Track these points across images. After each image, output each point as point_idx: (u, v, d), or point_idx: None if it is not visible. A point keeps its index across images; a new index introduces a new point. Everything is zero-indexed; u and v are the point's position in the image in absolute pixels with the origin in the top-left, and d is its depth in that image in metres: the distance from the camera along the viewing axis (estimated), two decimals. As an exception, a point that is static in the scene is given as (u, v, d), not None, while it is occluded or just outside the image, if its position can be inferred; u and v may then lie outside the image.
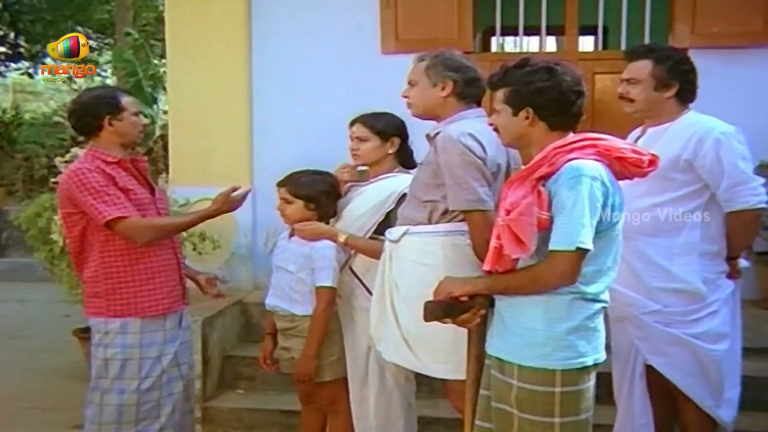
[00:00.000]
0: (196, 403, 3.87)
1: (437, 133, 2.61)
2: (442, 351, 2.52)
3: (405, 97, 2.75)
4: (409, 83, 2.73)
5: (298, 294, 2.99)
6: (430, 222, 2.59)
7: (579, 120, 2.20)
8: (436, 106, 2.68)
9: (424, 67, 2.68)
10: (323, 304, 2.92)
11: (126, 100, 2.92)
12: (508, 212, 2.06)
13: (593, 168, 2.05)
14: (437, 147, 2.54)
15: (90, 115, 2.86)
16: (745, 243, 2.93)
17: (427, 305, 2.24)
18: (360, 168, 3.17)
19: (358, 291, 3.01)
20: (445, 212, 2.56)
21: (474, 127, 2.51)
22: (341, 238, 2.95)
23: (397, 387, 3.03)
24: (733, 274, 2.86)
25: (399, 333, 2.65)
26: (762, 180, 2.81)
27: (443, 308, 2.24)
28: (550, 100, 2.14)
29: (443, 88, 2.65)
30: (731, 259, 2.85)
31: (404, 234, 2.65)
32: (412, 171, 3.02)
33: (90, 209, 2.74)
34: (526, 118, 2.16)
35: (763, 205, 2.77)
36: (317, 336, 2.92)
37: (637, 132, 2.97)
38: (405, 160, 3.10)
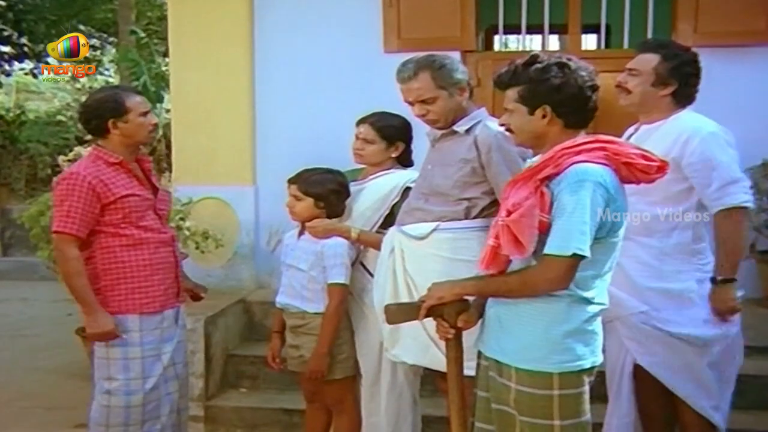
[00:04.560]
0: (199, 402, 3.91)
1: (467, 130, 2.62)
2: (472, 350, 2.41)
3: (422, 115, 2.68)
4: (424, 102, 2.66)
5: (310, 292, 3.00)
6: (467, 218, 2.59)
7: (593, 116, 2.12)
8: (458, 109, 2.68)
9: (431, 78, 2.63)
10: (336, 301, 2.93)
11: (132, 100, 2.86)
12: (509, 213, 2.02)
13: (598, 173, 1.98)
14: (479, 144, 2.54)
15: (94, 118, 2.86)
16: (736, 253, 2.75)
17: (388, 308, 2.24)
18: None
19: (369, 287, 3.00)
20: (483, 209, 2.57)
21: None
22: (354, 234, 2.95)
23: (407, 383, 3.03)
24: (723, 310, 2.70)
25: (426, 334, 2.60)
26: (749, 182, 2.77)
27: (404, 311, 2.25)
28: (568, 97, 2.05)
29: (461, 93, 2.65)
30: (724, 282, 2.69)
31: (434, 230, 2.62)
32: (407, 168, 3.06)
33: (54, 213, 2.79)
34: (544, 116, 2.07)
35: (751, 205, 2.73)
36: (330, 333, 2.93)
37: (631, 129, 2.96)
38: (403, 158, 3.11)
